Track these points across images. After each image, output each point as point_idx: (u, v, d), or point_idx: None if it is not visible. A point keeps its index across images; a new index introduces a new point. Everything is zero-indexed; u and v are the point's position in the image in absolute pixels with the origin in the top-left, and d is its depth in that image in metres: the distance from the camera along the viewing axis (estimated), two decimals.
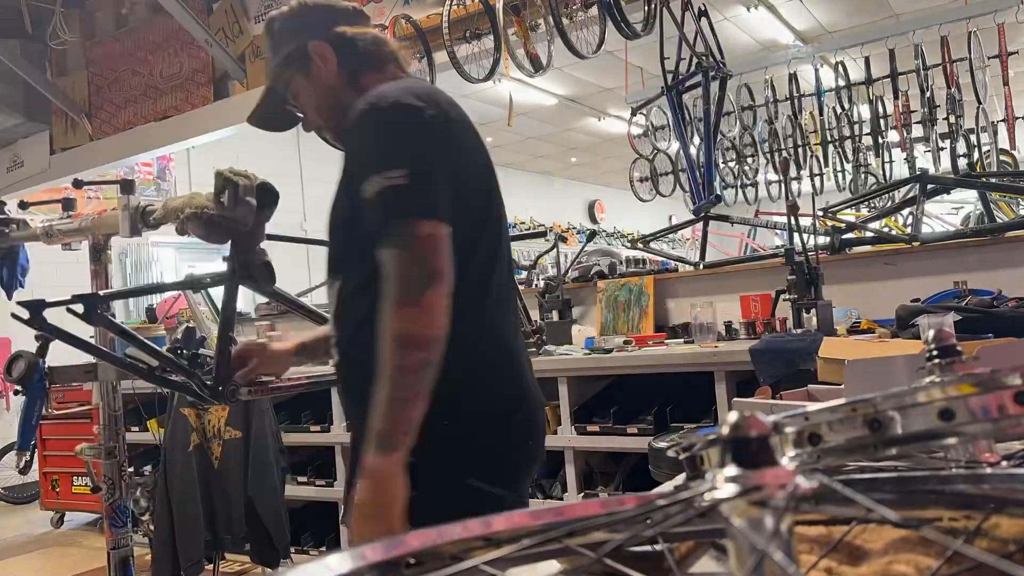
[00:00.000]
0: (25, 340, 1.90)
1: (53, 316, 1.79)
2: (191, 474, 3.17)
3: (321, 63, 1.43)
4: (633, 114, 6.16)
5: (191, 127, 4.85)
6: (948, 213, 7.78)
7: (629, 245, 5.30)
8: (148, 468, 4.04)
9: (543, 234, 4.28)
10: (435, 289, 1.17)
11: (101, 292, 1.95)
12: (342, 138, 1.44)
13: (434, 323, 1.17)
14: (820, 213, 3.75)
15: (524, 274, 4.88)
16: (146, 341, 1.87)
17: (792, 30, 7.29)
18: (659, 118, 6.33)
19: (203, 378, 1.80)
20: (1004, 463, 0.66)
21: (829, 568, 0.50)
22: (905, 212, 5.08)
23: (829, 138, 6.21)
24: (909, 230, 3.84)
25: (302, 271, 8.14)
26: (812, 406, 0.48)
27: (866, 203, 5.42)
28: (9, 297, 2.35)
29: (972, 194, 5.48)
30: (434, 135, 1.28)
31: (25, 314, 1.71)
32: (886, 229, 4.72)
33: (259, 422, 3.27)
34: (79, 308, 1.74)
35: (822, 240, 3.45)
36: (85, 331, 1.93)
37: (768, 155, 6.31)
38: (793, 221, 3.29)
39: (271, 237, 2.11)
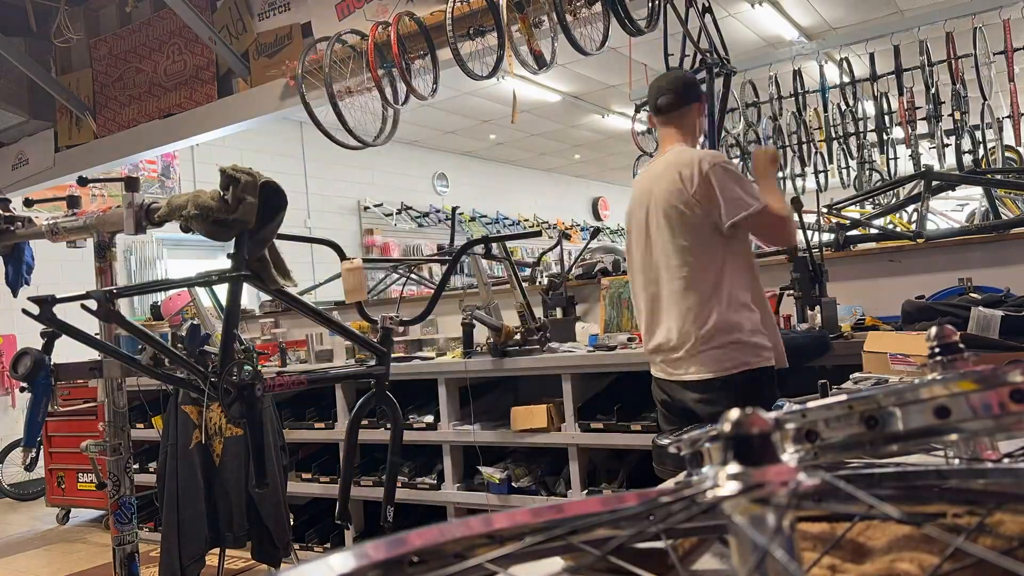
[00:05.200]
0: (31, 337, 1.90)
1: (60, 313, 1.80)
2: (193, 471, 3.18)
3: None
4: (637, 111, 6.15)
5: (195, 125, 4.86)
6: (953, 210, 7.74)
7: None
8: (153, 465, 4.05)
9: (538, 233, 4.28)
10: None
11: (115, 288, 1.95)
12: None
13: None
14: (824, 210, 3.74)
15: (527, 271, 4.88)
16: (158, 338, 1.88)
17: (796, 26, 7.27)
18: None
19: (208, 374, 1.81)
20: (1006, 460, 0.65)
21: (832, 565, 0.50)
22: (910, 209, 5.06)
23: (834, 134, 6.20)
24: (914, 227, 3.83)
25: (306, 269, 8.16)
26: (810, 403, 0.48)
27: (871, 200, 5.41)
28: (15, 294, 2.36)
29: (977, 191, 5.46)
30: None
31: (35, 310, 1.71)
32: (891, 226, 4.71)
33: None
34: (92, 304, 1.75)
35: (827, 237, 3.44)
36: (90, 328, 1.94)
37: None
38: (797, 218, 3.28)
39: (278, 236, 2.11)
